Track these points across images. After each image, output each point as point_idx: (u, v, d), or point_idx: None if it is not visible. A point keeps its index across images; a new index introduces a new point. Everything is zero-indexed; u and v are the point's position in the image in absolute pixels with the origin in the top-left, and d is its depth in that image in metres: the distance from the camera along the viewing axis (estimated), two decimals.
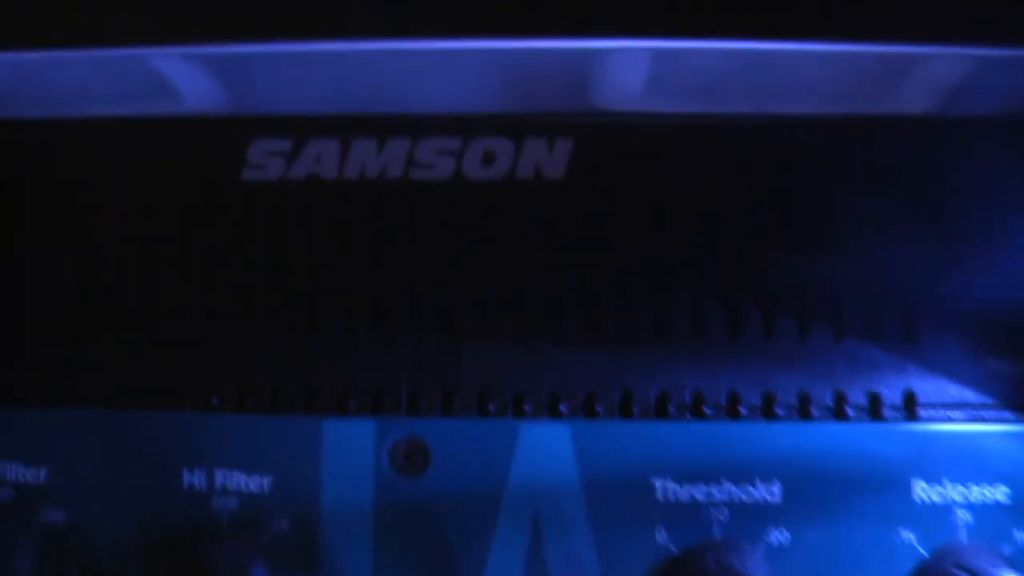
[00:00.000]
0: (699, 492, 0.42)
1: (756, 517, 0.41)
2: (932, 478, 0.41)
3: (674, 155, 0.45)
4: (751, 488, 0.42)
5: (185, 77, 0.42)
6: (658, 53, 0.39)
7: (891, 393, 0.43)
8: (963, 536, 0.41)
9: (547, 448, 0.42)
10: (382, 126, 0.45)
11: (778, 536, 0.41)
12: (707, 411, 0.43)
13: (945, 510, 0.41)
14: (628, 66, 0.41)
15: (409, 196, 0.45)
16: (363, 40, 0.38)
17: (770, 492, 0.42)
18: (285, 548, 0.42)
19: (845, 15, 0.38)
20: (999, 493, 0.41)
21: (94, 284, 0.45)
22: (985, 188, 0.44)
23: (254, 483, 0.43)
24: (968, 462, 0.41)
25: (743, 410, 0.43)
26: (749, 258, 0.44)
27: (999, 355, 0.44)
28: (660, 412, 0.43)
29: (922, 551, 0.41)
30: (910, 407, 0.43)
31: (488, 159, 0.45)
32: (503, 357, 0.44)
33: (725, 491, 0.42)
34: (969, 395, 0.43)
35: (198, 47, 0.39)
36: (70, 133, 0.46)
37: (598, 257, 0.44)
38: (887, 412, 0.43)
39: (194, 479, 0.43)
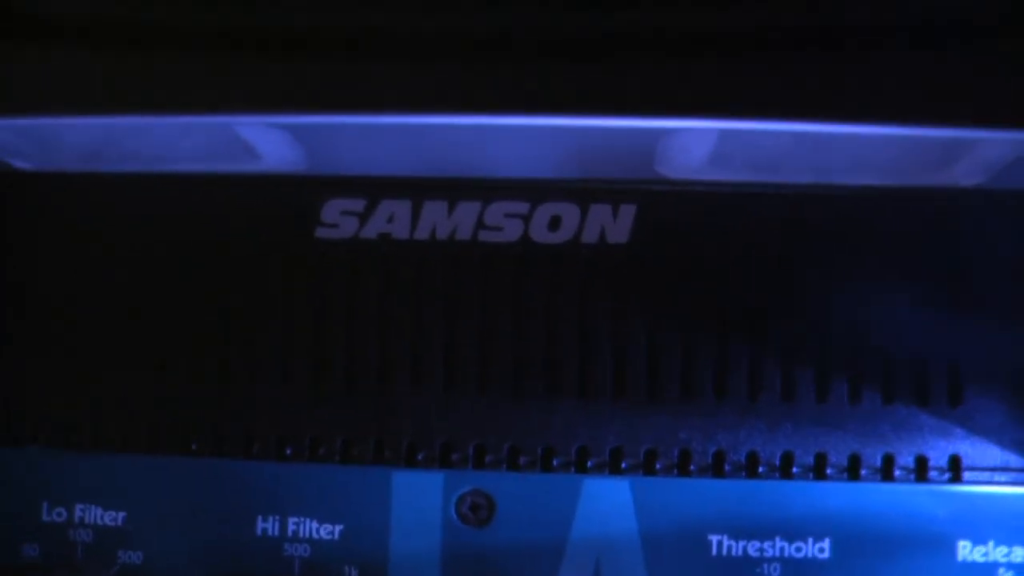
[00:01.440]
0: (752, 548, 0.44)
1: (807, 573, 0.43)
2: (976, 539, 0.43)
3: (734, 222, 0.46)
4: (802, 545, 0.44)
5: (266, 141, 0.44)
6: (723, 132, 0.41)
7: (937, 456, 0.45)
8: None
9: (608, 502, 0.44)
10: (453, 189, 0.46)
11: None
12: (761, 470, 0.45)
13: (988, 570, 0.43)
14: (693, 142, 0.42)
15: (478, 257, 0.46)
16: (438, 115, 0.40)
17: (820, 549, 0.43)
18: None
19: (903, 99, 0.39)
20: None
21: (172, 334, 0.47)
22: None
23: (325, 531, 0.45)
24: (1011, 523, 0.43)
25: (796, 470, 0.45)
26: (804, 324, 0.45)
27: None
28: (716, 470, 0.45)
29: None
30: (955, 470, 0.45)
31: (554, 223, 0.46)
32: (567, 415, 0.45)
33: (777, 547, 0.44)
34: (1012, 459, 0.45)
35: (280, 116, 0.41)
36: (153, 187, 0.47)
37: (659, 320, 0.46)
38: (933, 474, 0.45)
39: (267, 526, 0.45)
